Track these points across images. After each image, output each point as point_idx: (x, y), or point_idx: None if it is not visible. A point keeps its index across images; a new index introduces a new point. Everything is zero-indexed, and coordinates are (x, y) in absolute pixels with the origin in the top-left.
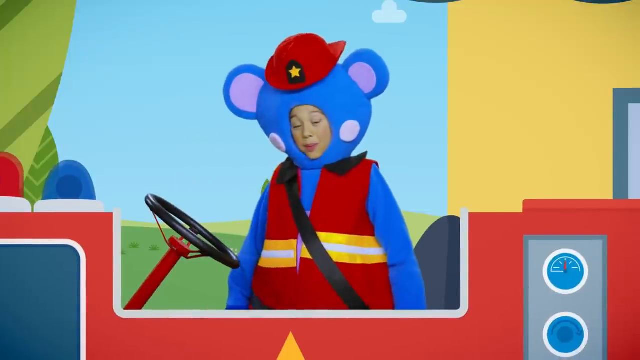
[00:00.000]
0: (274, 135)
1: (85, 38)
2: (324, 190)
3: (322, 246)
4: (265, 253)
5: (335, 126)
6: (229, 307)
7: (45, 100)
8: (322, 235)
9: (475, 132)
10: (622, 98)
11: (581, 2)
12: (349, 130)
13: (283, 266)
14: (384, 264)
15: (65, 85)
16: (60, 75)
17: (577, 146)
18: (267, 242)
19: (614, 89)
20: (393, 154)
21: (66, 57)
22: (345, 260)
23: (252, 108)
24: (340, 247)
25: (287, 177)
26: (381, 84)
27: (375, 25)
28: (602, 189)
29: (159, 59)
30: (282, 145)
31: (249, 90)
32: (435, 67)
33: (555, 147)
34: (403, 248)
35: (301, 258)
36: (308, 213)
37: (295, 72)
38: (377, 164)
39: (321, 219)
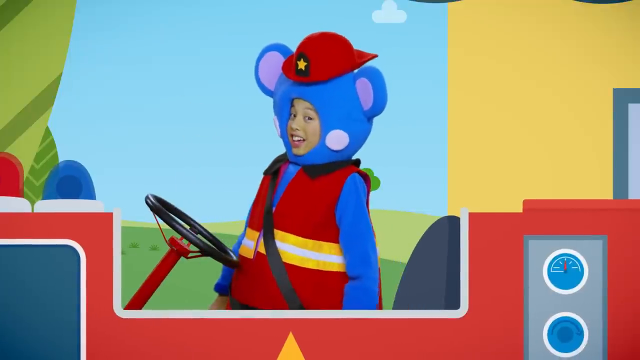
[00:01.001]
0: (275, 117)
1: (85, 38)
2: (292, 189)
3: (274, 244)
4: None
5: (324, 130)
6: (216, 284)
7: (45, 100)
8: (278, 234)
9: (475, 132)
10: (622, 98)
11: (581, 2)
12: (335, 138)
13: (244, 255)
14: (344, 273)
15: (65, 85)
16: (60, 75)
17: (577, 146)
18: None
19: (614, 89)
20: (393, 154)
21: (66, 57)
22: (295, 262)
23: (272, 86)
24: (291, 248)
25: (272, 170)
26: (377, 105)
27: (375, 25)
28: (602, 189)
29: (159, 59)
30: (278, 130)
31: (274, 68)
32: (435, 67)
33: (555, 147)
34: (362, 263)
35: (257, 252)
36: (274, 209)
37: (301, 64)
38: (363, 175)
39: (281, 217)
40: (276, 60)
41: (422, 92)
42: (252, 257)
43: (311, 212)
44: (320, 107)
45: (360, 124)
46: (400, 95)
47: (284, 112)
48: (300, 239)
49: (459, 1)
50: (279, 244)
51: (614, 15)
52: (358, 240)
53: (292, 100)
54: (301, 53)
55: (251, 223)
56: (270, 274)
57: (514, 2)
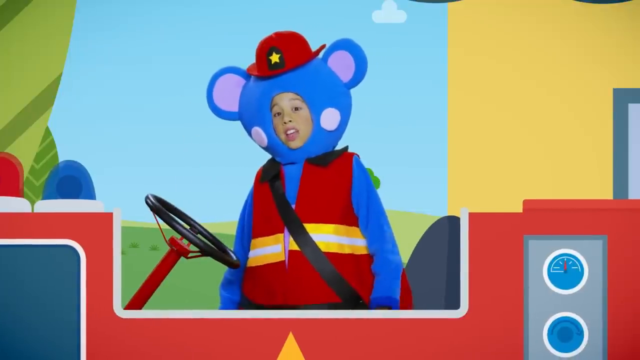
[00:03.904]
0: (255, 128)
1: (85, 38)
2: (307, 182)
3: (309, 237)
4: (252, 252)
5: (315, 114)
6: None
7: (45, 100)
8: (310, 227)
9: (475, 132)
10: (622, 98)
11: (581, 2)
12: (329, 117)
13: (271, 261)
14: (369, 255)
15: (65, 85)
16: (60, 75)
17: (577, 146)
18: (254, 241)
19: (614, 89)
20: (393, 154)
21: (66, 57)
22: (334, 249)
23: (234, 107)
24: (329, 237)
25: (270, 175)
26: (360, 71)
27: (375, 25)
28: (602, 189)
29: (159, 59)
30: (264, 137)
31: (231, 89)
32: (435, 67)
33: (555, 147)
34: (378, 237)
35: (289, 251)
36: (293, 207)
37: (275, 57)
38: (358, 156)
39: (307, 210)
40: (232, 81)
41: (422, 92)
42: (284, 259)
43: (335, 198)
44: (305, 93)
45: (345, 98)
46: (400, 95)
47: (266, 116)
48: (333, 226)
49: (459, 1)
50: (314, 236)
51: (614, 15)
52: (373, 218)
53: (272, 99)
54: (272, 47)
55: (263, 230)
56: (311, 268)
57: (514, 2)
